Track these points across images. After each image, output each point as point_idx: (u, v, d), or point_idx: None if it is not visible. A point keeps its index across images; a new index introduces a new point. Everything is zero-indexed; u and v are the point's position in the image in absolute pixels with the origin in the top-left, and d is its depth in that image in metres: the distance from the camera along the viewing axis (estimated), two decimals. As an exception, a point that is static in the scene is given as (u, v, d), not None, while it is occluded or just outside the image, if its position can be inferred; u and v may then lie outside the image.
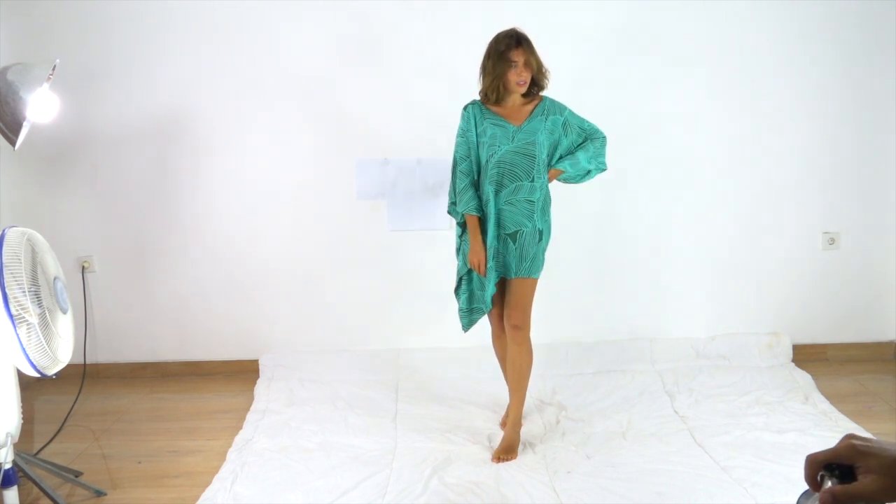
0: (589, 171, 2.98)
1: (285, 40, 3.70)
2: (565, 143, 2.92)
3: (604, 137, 2.97)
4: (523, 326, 2.95)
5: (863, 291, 3.93)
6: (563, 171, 2.94)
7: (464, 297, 3.01)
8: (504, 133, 2.85)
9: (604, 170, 3.00)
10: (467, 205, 2.89)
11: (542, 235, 2.93)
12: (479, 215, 2.90)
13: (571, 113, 2.94)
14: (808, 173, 3.83)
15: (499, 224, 2.89)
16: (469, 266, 2.95)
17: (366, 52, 3.71)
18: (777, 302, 3.93)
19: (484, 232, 2.90)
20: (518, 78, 2.81)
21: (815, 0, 3.67)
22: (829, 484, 0.85)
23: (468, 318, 3.03)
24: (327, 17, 3.68)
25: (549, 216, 2.98)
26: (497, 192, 2.86)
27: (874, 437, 0.87)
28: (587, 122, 2.97)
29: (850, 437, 0.87)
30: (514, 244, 2.88)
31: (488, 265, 2.88)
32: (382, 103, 3.74)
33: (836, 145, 3.81)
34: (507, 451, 2.97)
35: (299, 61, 3.72)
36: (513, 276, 2.91)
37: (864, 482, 0.83)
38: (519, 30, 2.84)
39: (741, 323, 3.92)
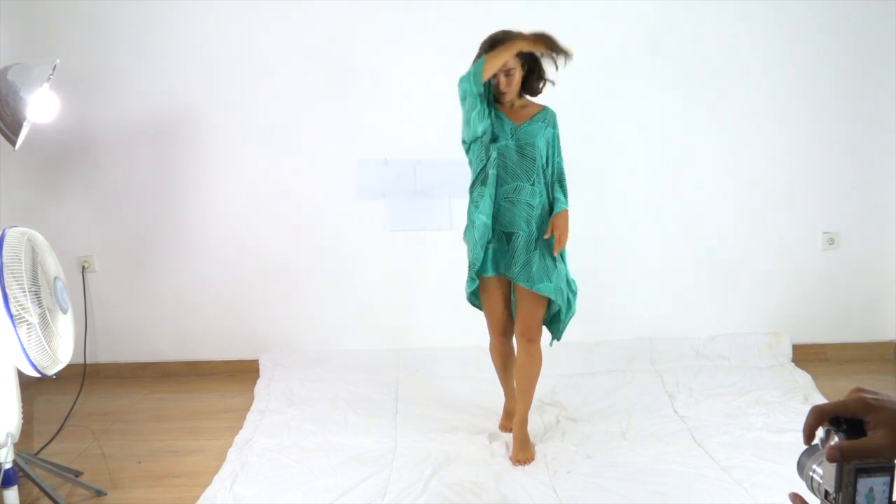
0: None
1: (286, 40, 3.70)
2: (549, 154, 2.89)
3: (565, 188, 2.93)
4: (537, 339, 2.94)
5: (863, 291, 3.93)
6: (564, 212, 2.87)
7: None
8: (502, 126, 2.80)
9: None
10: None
11: (538, 244, 2.82)
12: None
13: (558, 137, 2.90)
14: (808, 173, 3.83)
15: (496, 220, 2.83)
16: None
17: (366, 52, 3.71)
18: (777, 302, 3.93)
19: (470, 220, 2.88)
20: (501, 85, 2.78)
21: (813, 1, 3.67)
22: (835, 439, 0.79)
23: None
24: (328, 17, 3.68)
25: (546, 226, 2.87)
26: (498, 185, 2.81)
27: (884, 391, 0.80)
28: (562, 165, 2.91)
29: (858, 389, 0.80)
30: (508, 245, 2.83)
31: (488, 239, 2.81)
32: (382, 104, 3.75)
33: (835, 145, 3.81)
34: (524, 450, 2.93)
35: (299, 62, 3.72)
36: (517, 281, 2.84)
37: (874, 437, 0.77)
38: (504, 31, 2.76)
39: (741, 323, 3.92)
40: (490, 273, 2.86)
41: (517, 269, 2.82)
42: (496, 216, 2.83)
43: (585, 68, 3.70)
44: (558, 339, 3.04)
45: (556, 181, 2.90)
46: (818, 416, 0.80)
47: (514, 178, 2.81)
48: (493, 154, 2.79)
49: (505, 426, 3.17)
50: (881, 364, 3.89)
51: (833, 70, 3.75)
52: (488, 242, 2.83)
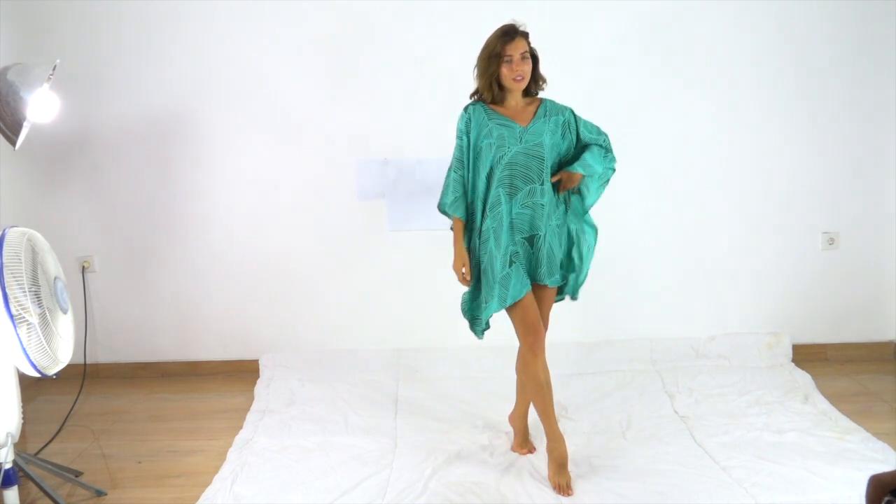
0: (605, 181, 2.93)
1: (286, 40, 3.70)
2: (564, 146, 2.83)
3: (606, 135, 2.89)
4: None
5: (863, 291, 3.93)
6: (580, 174, 2.81)
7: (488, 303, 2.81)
8: (511, 133, 2.74)
9: (614, 168, 2.91)
10: (458, 210, 2.80)
11: (547, 240, 2.81)
12: (463, 220, 2.81)
13: (573, 113, 2.84)
14: (808, 173, 3.83)
15: (516, 229, 2.77)
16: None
17: (366, 51, 3.71)
18: (777, 302, 3.93)
19: (497, 239, 2.76)
20: (514, 73, 2.69)
21: (813, 0, 3.68)
22: None
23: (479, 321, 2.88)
24: (327, 17, 3.68)
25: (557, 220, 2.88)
26: (511, 196, 2.75)
27: None
28: (590, 123, 2.88)
29: None
30: (532, 248, 2.79)
31: (516, 265, 2.75)
32: (382, 104, 3.74)
33: (835, 145, 3.81)
34: (527, 441, 3.02)
35: (300, 61, 3.72)
36: (543, 282, 2.80)
37: None
38: (516, 23, 2.73)
39: (741, 323, 3.92)
40: (527, 290, 2.78)
41: (544, 270, 2.80)
42: (513, 224, 2.77)
43: (585, 67, 3.72)
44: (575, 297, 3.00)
45: (592, 146, 2.84)
46: (878, 487, 0.74)
47: (527, 181, 2.75)
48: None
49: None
50: (881, 364, 3.89)
51: (833, 70, 3.74)
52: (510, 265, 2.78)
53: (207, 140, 3.79)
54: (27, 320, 2.42)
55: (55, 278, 2.64)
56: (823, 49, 3.72)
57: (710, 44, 3.72)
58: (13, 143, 2.75)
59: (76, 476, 2.90)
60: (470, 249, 2.87)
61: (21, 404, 2.62)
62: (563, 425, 3.21)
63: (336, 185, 3.81)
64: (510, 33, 2.70)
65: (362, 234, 3.85)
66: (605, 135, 2.89)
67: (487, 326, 2.88)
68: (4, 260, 2.40)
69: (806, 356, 3.90)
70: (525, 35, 2.72)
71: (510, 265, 2.75)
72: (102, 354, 3.97)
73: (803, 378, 3.64)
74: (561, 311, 3.81)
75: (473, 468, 2.88)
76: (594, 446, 3.03)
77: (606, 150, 2.88)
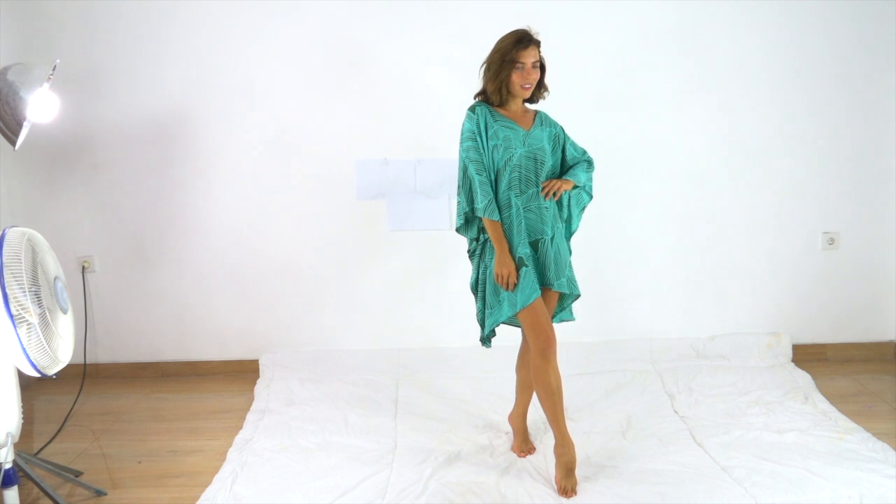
0: (582, 207, 2.94)
1: (285, 41, 3.70)
2: (553, 159, 2.83)
3: (592, 160, 2.90)
4: None
5: (862, 291, 3.94)
6: (573, 183, 2.80)
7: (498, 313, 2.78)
8: (516, 136, 2.73)
9: (591, 197, 2.93)
10: (494, 212, 2.69)
11: (553, 243, 2.79)
12: (500, 222, 2.73)
13: (563, 129, 2.86)
14: (808, 173, 3.84)
15: (521, 232, 2.74)
16: (496, 281, 2.73)
17: (366, 51, 3.71)
18: (777, 302, 3.93)
19: (509, 241, 2.73)
20: (523, 81, 2.68)
21: (812, 0, 3.68)
22: None
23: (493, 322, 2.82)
24: (327, 17, 3.68)
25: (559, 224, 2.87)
26: (517, 198, 2.73)
27: None
28: (577, 143, 2.90)
29: None
30: (537, 252, 2.77)
31: (527, 268, 2.70)
32: (383, 103, 3.75)
33: (835, 145, 3.81)
34: (527, 441, 3.03)
35: (299, 61, 3.72)
36: (551, 285, 2.77)
37: None
38: (529, 30, 2.71)
39: (741, 323, 3.93)
40: (537, 295, 2.72)
41: (551, 275, 2.77)
42: (521, 229, 2.73)
43: (588, 71, 3.72)
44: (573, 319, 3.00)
45: (580, 162, 2.85)
46: None
47: (529, 184, 2.75)
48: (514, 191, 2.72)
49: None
50: (881, 364, 3.89)
51: (833, 70, 3.75)
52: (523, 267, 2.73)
53: (208, 140, 3.79)
54: (27, 320, 2.42)
55: (55, 278, 2.64)
56: (823, 49, 3.73)
57: (708, 45, 3.72)
58: (13, 143, 2.75)
59: (76, 476, 2.90)
60: (473, 253, 2.87)
61: (21, 404, 2.62)
62: (563, 425, 3.23)
63: (336, 185, 3.81)
64: (525, 40, 2.67)
65: (362, 234, 3.85)
66: (591, 159, 2.91)
67: (493, 334, 2.85)
68: (4, 260, 2.40)
69: (806, 356, 3.90)
70: (538, 44, 2.70)
71: (520, 269, 2.72)
72: (102, 354, 3.97)
73: (803, 378, 3.64)
74: (561, 311, 3.82)
75: (473, 468, 2.88)
76: (594, 446, 3.02)
77: (589, 163, 2.90)
